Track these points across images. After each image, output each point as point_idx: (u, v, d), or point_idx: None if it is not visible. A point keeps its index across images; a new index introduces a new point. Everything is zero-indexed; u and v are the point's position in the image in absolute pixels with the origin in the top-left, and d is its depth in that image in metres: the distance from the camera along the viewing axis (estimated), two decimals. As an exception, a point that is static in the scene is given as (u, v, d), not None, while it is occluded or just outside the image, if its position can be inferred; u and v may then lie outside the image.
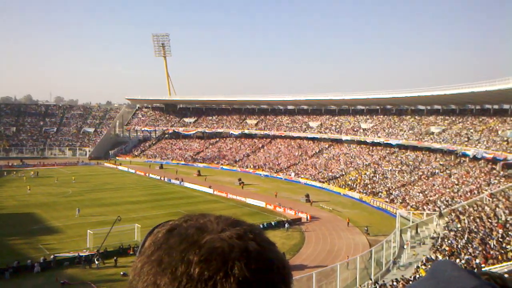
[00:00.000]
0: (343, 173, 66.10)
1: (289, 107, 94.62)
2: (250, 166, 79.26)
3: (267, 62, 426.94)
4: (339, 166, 69.42)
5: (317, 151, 78.84)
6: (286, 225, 40.71)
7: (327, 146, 79.53)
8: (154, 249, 0.77)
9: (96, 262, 30.19)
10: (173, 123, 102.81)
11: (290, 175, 70.78)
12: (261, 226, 39.72)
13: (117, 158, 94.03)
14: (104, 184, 64.09)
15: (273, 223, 41.52)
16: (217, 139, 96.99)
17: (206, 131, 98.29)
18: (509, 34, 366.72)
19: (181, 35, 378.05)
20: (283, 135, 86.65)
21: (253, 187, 62.91)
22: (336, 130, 79.03)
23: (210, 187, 58.70)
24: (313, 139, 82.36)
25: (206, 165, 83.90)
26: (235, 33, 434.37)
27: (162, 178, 68.46)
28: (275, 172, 73.74)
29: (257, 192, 59.06)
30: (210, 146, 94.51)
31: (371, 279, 27.35)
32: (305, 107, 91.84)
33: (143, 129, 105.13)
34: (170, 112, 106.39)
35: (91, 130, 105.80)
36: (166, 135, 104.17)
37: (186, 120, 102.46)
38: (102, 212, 44.54)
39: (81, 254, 31.19)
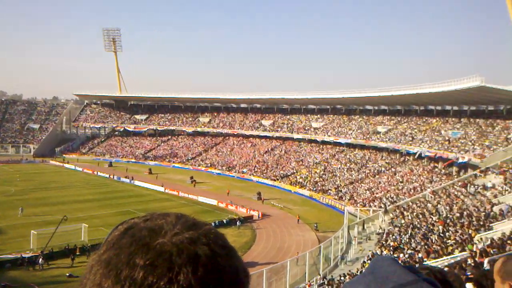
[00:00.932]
0: (294, 171, 67.35)
1: (242, 105, 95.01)
2: (202, 164, 79.10)
3: (221, 61, 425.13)
4: (291, 164, 70.65)
5: (269, 149, 79.78)
6: (237, 223, 41.04)
7: (279, 144, 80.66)
8: (106, 248, 0.74)
9: (40, 263, 29.22)
10: (123, 120, 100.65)
11: (242, 173, 71.32)
12: (213, 224, 39.93)
13: (63, 155, 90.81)
14: (49, 182, 61.81)
15: (225, 221, 41.73)
16: (169, 136, 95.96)
17: (158, 128, 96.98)
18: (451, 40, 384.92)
19: (136, 31, 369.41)
20: (236, 133, 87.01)
21: (205, 185, 62.83)
22: (288, 129, 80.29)
23: (162, 185, 58.08)
24: (265, 137, 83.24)
25: (158, 163, 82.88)
26: (188, 32, 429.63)
27: (111, 177, 66.90)
28: (228, 170, 74.02)
29: (209, 190, 59.07)
30: (162, 144, 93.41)
31: (319, 274, 28.21)
32: (258, 105, 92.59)
33: (91, 126, 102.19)
34: (121, 109, 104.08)
35: (36, 126, 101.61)
36: (116, 132, 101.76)
37: (137, 117, 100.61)
38: (47, 212, 42.96)
39: (24, 255, 30.07)
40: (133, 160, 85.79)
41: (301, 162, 70.36)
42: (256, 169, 71.80)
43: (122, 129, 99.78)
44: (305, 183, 60.61)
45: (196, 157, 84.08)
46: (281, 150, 78.13)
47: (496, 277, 2.17)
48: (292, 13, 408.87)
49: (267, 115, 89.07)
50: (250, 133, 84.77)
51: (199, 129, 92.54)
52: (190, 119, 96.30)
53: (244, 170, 72.59)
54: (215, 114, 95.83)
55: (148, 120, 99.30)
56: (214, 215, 44.20)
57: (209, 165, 78.20)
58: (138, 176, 65.80)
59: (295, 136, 77.37)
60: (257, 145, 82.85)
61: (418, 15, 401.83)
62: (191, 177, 64.83)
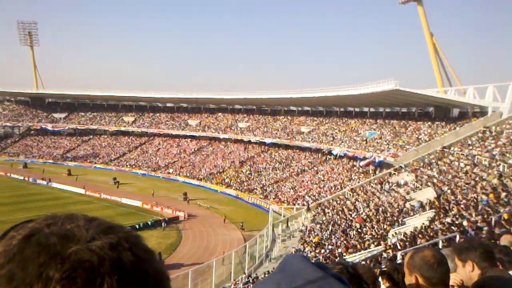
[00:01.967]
0: (221, 170, 67.60)
1: (168, 104, 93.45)
2: (126, 165, 76.85)
3: (148, 59, 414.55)
4: (217, 164, 70.82)
5: (195, 149, 79.35)
6: (163, 224, 40.48)
7: (205, 144, 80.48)
8: (4, 261, 0.60)
9: None
10: (40, 118, 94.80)
11: (168, 173, 70.32)
12: (137, 226, 39.12)
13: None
14: (-45, 186, 56.94)
15: (149, 222, 40.95)
16: (91, 136, 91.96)
17: (79, 127, 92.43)
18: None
19: (56, 24, 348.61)
20: (161, 133, 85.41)
21: (129, 187, 61.11)
22: (215, 129, 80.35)
23: (83, 187, 55.58)
24: (192, 137, 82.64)
25: (78, 164, 79.15)
26: (118, 28, 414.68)
27: (26, 179, 62.87)
28: (153, 171, 72.58)
29: (134, 191, 57.55)
30: (83, 143, 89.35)
31: (244, 273, 28.65)
32: (185, 105, 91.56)
33: (4, 124, 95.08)
34: (37, 107, 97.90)
35: None
36: (32, 132, 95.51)
37: (56, 115, 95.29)
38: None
39: None
40: (51, 161, 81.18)
41: (227, 162, 70.75)
42: (182, 169, 71.12)
43: (38, 128, 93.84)
44: (231, 183, 61.05)
45: (119, 157, 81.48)
46: (208, 150, 78.05)
47: (405, 269, 2.41)
48: (223, 12, 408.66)
49: (193, 114, 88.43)
50: (177, 133, 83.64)
51: (122, 129, 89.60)
52: (114, 118, 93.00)
53: (170, 170, 71.63)
54: (140, 113, 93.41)
55: (67, 119, 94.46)
56: (138, 217, 43.22)
57: (133, 165, 76.16)
58: (56, 178, 62.36)
59: (222, 136, 77.60)
60: (183, 145, 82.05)
61: (342, 22, 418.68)
62: (114, 178, 62.75)
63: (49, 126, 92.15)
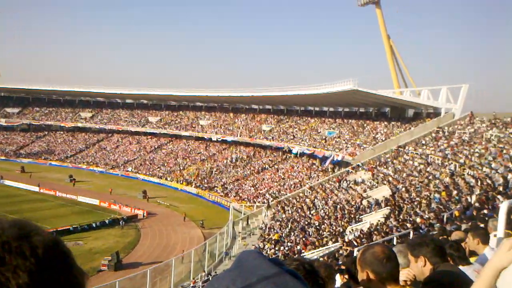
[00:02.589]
0: (181, 168, 67.06)
1: (128, 101, 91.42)
2: (83, 162, 74.83)
3: (109, 54, 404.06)
4: (178, 161, 70.20)
5: (156, 147, 78.31)
6: (121, 223, 39.73)
7: (166, 141, 79.56)
8: None
9: None
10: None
11: (127, 171, 69.09)
12: (94, 225, 38.35)
13: None
14: None
15: (107, 221, 40.10)
16: (46, 132, 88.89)
17: (33, 123, 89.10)
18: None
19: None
20: (120, 129, 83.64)
21: (86, 184, 59.55)
22: (176, 126, 79.51)
23: (38, 185, 53.66)
24: (152, 134, 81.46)
25: (32, 160, 76.29)
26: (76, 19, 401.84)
27: (-24, 176, 60.16)
28: (111, 168, 71.09)
29: (91, 189, 56.11)
30: (37, 140, 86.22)
31: (204, 271, 28.64)
32: (145, 101, 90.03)
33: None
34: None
35: None
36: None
37: (9, 110, 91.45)
38: None
39: None
40: (3, 158, 77.76)
41: (188, 160, 70.27)
42: (142, 167, 70.05)
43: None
44: (192, 181, 60.70)
45: (76, 154, 79.19)
46: (169, 148, 77.20)
47: (357, 265, 2.50)
48: (189, 8, 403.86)
49: (154, 111, 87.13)
50: (136, 130, 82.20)
51: (79, 125, 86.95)
52: (70, 114, 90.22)
53: (129, 168, 70.38)
54: (98, 109, 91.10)
55: (21, 114, 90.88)
56: (95, 215, 42.26)
57: (91, 163, 74.26)
58: (8, 175, 59.86)
59: (183, 133, 76.89)
60: (143, 142, 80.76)
61: (304, 20, 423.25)
62: (71, 176, 60.98)
63: (2, 121, 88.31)
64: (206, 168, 64.98)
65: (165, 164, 69.83)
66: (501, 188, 18.82)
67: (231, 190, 54.49)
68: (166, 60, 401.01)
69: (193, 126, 77.84)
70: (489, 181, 21.16)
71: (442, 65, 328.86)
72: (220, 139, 70.58)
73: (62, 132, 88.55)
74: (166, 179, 63.77)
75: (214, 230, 38.45)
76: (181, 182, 61.21)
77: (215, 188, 56.73)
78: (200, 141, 75.55)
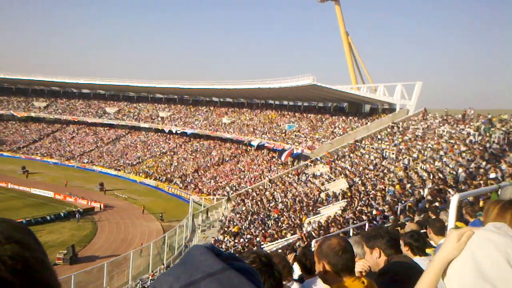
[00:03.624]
0: (140, 160, 66.05)
1: (84, 90, 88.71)
2: (37, 154, 72.23)
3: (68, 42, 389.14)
4: (136, 153, 69.06)
5: (113, 138, 76.65)
6: (77, 216, 38.81)
7: (124, 133, 77.99)
8: None
9: None
10: None
11: (84, 163, 67.34)
12: (48, 218, 37.29)
13: None
14: None
15: (62, 214, 39.06)
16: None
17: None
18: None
19: None
20: (76, 120, 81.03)
21: (40, 176, 57.60)
22: (134, 118, 78.03)
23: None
24: (109, 125, 79.59)
25: (-19, 151, 73.04)
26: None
27: None
28: (67, 160, 69.03)
29: (45, 181, 54.35)
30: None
31: (163, 264, 28.47)
32: (102, 91, 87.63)
33: None
34: None
35: None
36: None
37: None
38: None
39: None
40: (-50, 148, 74.12)
41: (147, 152, 69.26)
42: (99, 159, 68.44)
43: None
44: (151, 173, 59.94)
45: (29, 145, 76.24)
46: (127, 139, 75.73)
47: (315, 257, 2.58)
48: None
49: (112, 102, 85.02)
50: (93, 121, 79.93)
51: (33, 115, 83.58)
52: (23, 103, 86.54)
53: (86, 160, 68.60)
54: (53, 99, 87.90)
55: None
56: (49, 208, 41.07)
57: (45, 154, 71.78)
58: (-44, 167, 57.22)
59: (142, 125, 75.56)
60: (100, 134, 78.80)
61: (264, 16, 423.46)
62: (23, 167, 58.78)
63: None
64: (165, 161, 64.30)
65: (123, 156, 68.53)
66: (452, 182, 19.72)
67: (190, 183, 54.19)
68: (134, 52, 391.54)
69: (153, 118, 76.65)
70: (440, 175, 22.10)
71: (397, 62, 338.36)
72: (180, 132, 69.90)
73: (14, 122, 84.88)
74: (124, 171, 62.63)
75: (173, 223, 38.22)
76: (139, 174, 60.30)
77: (175, 180, 56.25)
78: (159, 133, 74.54)
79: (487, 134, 27.98)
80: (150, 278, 25.66)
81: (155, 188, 55.53)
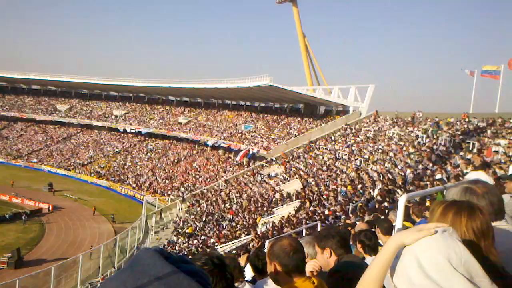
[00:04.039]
0: (92, 160, 64.19)
1: (34, 86, 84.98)
2: (-20, 152, 68.65)
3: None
4: (88, 153, 67.04)
5: (64, 137, 74.02)
6: (23, 217, 37.19)
7: (75, 131, 75.48)
8: None
9: None
10: None
11: (32, 162, 64.64)
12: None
13: None
14: None
15: (7, 215, 37.29)
16: None
17: None
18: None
19: None
20: (25, 117, 77.65)
21: (-16, 176, 54.86)
22: (87, 115, 75.73)
23: None
24: (60, 123, 76.70)
25: None
26: None
27: None
28: (14, 159, 66.02)
29: (-11, 182, 51.83)
30: None
31: (114, 267, 27.75)
32: (53, 88, 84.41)
33: None
34: None
35: None
36: None
37: None
38: None
39: None
40: None
41: (99, 151, 67.37)
42: (48, 158, 65.91)
43: None
44: (103, 173, 58.37)
45: (-28, 143, 72.41)
46: (79, 138, 73.35)
47: (267, 258, 2.57)
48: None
49: (63, 99, 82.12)
50: (43, 118, 76.73)
51: (-23, 111, 79.50)
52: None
53: (34, 159, 65.89)
54: (0, 95, 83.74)
55: None
56: (-6, 210, 39.18)
57: (-11, 153, 68.35)
58: None
59: (95, 123, 73.41)
60: (50, 132, 75.87)
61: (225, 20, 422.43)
62: (-35, 167, 55.81)
63: None
64: (118, 160, 62.80)
65: (74, 156, 66.35)
66: (400, 183, 20.40)
67: (144, 183, 53.22)
68: (89, 48, 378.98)
69: (106, 116, 74.67)
70: (390, 176, 22.81)
71: (351, 65, 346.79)
72: (134, 131, 68.47)
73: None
74: (75, 171, 60.65)
75: (126, 224, 37.35)
76: (91, 174, 58.58)
77: (128, 180, 55.06)
78: (113, 132, 72.65)
79: (434, 137, 29.13)
80: (100, 281, 24.96)
81: (107, 189, 54.12)
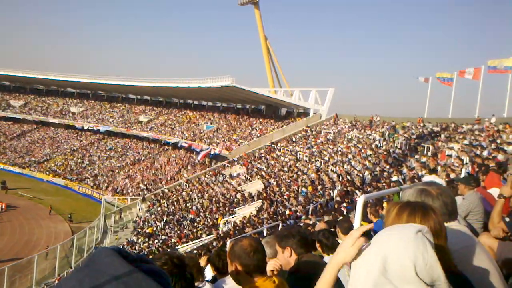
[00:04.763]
0: (48, 158, 62.23)
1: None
2: None
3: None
4: (44, 150, 64.94)
5: (18, 134, 71.31)
6: (-26, 217, 35.79)
7: (30, 128, 72.86)
8: None
9: None
10: None
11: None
12: None
13: None
14: None
15: (-44, 215, 35.81)
16: None
17: None
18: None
19: None
20: (-25, 113, 74.28)
21: None
22: (43, 112, 73.25)
23: None
24: (14, 119, 73.78)
25: None
26: None
27: None
28: (-37, 156, 63.13)
29: None
30: None
31: (71, 267, 27.15)
32: (7, 83, 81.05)
33: None
34: None
35: None
36: None
37: None
38: None
39: None
40: None
41: (56, 149, 65.37)
42: (1, 155, 63.36)
43: None
44: (60, 172, 56.74)
45: None
46: (34, 135, 70.84)
47: (227, 258, 2.67)
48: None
49: (17, 95, 78.97)
50: (-5, 114, 73.69)
51: None
52: None
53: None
54: None
55: None
56: None
57: None
58: None
59: (51, 120, 71.06)
60: (3, 128, 72.84)
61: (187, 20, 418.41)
62: None
63: None
64: (76, 159, 61.17)
65: (29, 153, 64.10)
66: (358, 184, 21.03)
67: (103, 182, 52.12)
68: (49, 43, 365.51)
69: (63, 113, 72.50)
70: (349, 177, 23.46)
71: (312, 68, 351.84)
72: (93, 129, 66.81)
73: None
74: (30, 169, 58.63)
75: (83, 224, 36.51)
76: (48, 172, 56.80)
77: (86, 179, 53.77)
78: (70, 130, 70.57)
79: (391, 140, 30.14)
80: (56, 282, 24.35)
81: (64, 188, 52.64)
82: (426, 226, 1.58)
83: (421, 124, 32.01)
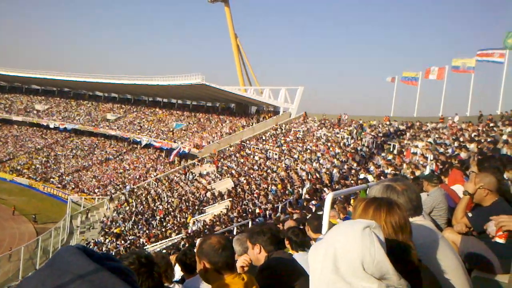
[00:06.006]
0: (11, 157, 60.33)
1: None
2: None
3: None
4: (7, 149, 62.92)
5: (-21, 132, 68.87)
6: None
7: (-8, 127, 70.45)
8: None
9: None
10: None
11: None
12: None
13: None
14: None
15: None
16: None
17: None
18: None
19: None
20: None
21: None
22: (6, 110, 70.89)
23: None
24: (-25, 117, 71.17)
25: None
26: None
27: None
28: None
29: None
30: None
31: (36, 269, 26.39)
32: (-34, 80, 78.13)
33: None
34: None
35: None
36: None
37: None
38: None
39: None
40: None
41: (20, 148, 63.43)
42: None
43: None
44: (24, 171, 55.10)
45: None
46: (-5, 133, 68.55)
47: (196, 256, 2.63)
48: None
49: (-22, 92, 76.25)
50: (-45, 112, 70.76)
51: None
52: None
53: None
54: None
55: None
56: None
57: None
58: None
59: (14, 118, 68.83)
60: (-37, 126, 70.19)
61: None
62: None
63: None
64: (41, 158, 59.53)
65: (-9, 152, 62.02)
66: (327, 181, 21.31)
67: (69, 182, 50.95)
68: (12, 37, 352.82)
69: (27, 110, 70.37)
70: (317, 175, 23.74)
71: (282, 67, 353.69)
72: (59, 127, 65.06)
73: None
74: (-8, 168, 56.77)
75: (49, 225, 35.64)
76: (11, 172, 55.07)
77: (51, 179, 52.42)
78: (35, 128, 68.55)
79: (359, 138, 30.68)
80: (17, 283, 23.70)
81: (28, 187, 51.16)
82: (392, 221, 1.68)
83: (388, 123, 32.71)
